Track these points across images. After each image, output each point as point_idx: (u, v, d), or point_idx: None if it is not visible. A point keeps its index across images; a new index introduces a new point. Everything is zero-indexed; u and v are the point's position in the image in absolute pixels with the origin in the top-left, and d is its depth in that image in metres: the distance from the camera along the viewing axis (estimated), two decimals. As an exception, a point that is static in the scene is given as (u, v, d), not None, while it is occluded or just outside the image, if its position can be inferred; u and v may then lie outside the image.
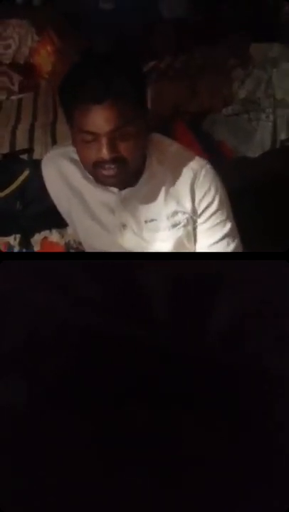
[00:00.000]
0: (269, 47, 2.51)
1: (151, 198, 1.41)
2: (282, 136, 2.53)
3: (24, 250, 1.97)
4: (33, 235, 2.09)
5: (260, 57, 2.49)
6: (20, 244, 2.03)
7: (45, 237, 2.08)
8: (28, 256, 1.42)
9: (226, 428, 1.10)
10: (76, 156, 1.37)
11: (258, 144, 2.52)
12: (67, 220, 1.53)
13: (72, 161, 1.42)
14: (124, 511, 1.06)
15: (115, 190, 1.39)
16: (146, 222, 1.43)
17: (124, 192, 1.39)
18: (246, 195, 2.00)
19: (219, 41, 2.35)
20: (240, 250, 1.47)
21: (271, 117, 2.52)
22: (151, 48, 2.27)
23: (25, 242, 2.02)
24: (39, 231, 2.10)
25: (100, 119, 1.25)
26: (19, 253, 1.78)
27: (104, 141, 1.26)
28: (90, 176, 1.39)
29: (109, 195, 1.41)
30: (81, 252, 1.48)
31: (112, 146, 1.27)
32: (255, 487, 1.07)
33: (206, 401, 1.11)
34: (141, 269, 1.16)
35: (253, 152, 2.50)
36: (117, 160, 1.29)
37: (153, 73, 2.38)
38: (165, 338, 1.13)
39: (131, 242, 1.46)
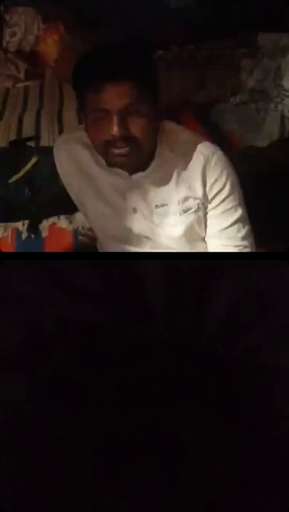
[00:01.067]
0: (278, 36, 2.48)
1: (162, 183, 1.41)
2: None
3: (32, 236, 1.98)
4: (41, 221, 2.10)
5: (269, 47, 2.47)
6: (29, 230, 2.03)
7: (54, 223, 2.09)
8: (28, 256, 1.43)
9: (224, 422, 1.10)
10: (89, 141, 1.37)
11: (266, 133, 2.51)
12: (78, 205, 1.53)
13: (85, 145, 1.42)
14: (124, 509, 1.05)
15: (126, 174, 1.39)
16: (156, 206, 1.43)
17: (135, 176, 1.39)
18: (254, 184, 2.00)
19: (227, 31, 2.33)
20: (251, 237, 1.47)
21: (279, 107, 2.51)
22: (159, 39, 2.26)
23: (33, 228, 2.03)
24: (47, 217, 2.11)
25: (111, 96, 1.25)
26: (19, 253, 1.79)
27: (115, 118, 1.26)
28: (102, 161, 1.39)
29: (121, 180, 1.41)
30: (81, 252, 1.47)
31: (123, 124, 1.27)
32: (255, 485, 1.06)
33: (205, 395, 1.11)
34: (140, 263, 1.16)
35: (261, 142, 2.49)
36: (128, 138, 1.29)
37: (161, 63, 2.36)
38: (165, 333, 1.13)
39: (141, 226, 1.46)
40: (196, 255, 1.40)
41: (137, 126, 1.29)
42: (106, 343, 1.12)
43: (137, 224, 1.45)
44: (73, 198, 1.52)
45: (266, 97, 2.52)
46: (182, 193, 1.41)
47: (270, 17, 2.38)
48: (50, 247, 1.99)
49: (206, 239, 1.48)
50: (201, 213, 1.43)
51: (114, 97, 1.26)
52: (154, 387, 1.10)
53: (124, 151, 1.31)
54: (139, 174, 1.39)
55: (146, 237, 1.47)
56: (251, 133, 2.52)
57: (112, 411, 1.09)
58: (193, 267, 1.15)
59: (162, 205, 1.43)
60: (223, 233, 1.44)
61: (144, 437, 1.08)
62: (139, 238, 1.47)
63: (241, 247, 1.44)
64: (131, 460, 1.06)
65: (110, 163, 1.37)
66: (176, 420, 1.09)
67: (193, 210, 1.42)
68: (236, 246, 1.44)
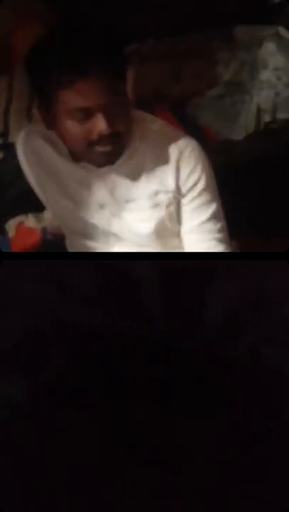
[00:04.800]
0: (254, 29, 2.49)
1: (131, 176, 1.37)
2: (267, 118, 2.51)
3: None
4: (7, 220, 2.04)
5: (245, 40, 2.48)
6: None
7: (21, 222, 2.03)
8: (28, 256, 1.41)
9: (223, 422, 1.11)
10: (51, 135, 1.33)
11: (242, 126, 2.51)
12: (44, 202, 1.49)
13: (47, 139, 1.37)
14: (124, 509, 1.06)
15: (93, 168, 1.34)
16: (126, 202, 1.38)
17: (103, 170, 1.35)
18: (230, 177, 2.01)
19: (204, 24, 2.33)
20: (226, 230, 1.44)
21: (255, 99, 2.51)
22: (134, 31, 2.23)
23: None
24: (14, 216, 2.05)
25: (90, 93, 1.21)
26: (19, 253, 1.75)
27: (101, 116, 1.22)
28: (66, 154, 1.35)
29: (87, 174, 1.36)
30: (82, 252, 1.45)
31: (110, 120, 1.23)
32: (255, 485, 1.08)
33: (204, 395, 1.11)
34: (136, 262, 1.16)
35: (237, 135, 2.49)
36: (114, 135, 1.25)
37: (135, 56, 2.35)
38: (164, 333, 1.13)
39: (108, 222, 1.41)
40: (195, 255, 1.39)
41: (119, 121, 1.26)
42: (105, 344, 1.12)
43: (104, 220, 1.40)
44: (39, 195, 1.47)
45: (242, 90, 2.52)
46: (153, 186, 1.37)
47: (247, 9, 2.37)
48: (17, 247, 1.93)
49: (182, 234, 1.44)
50: (172, 208, 1.39)
51: (92, 93, 1.21)
52: (153, 388, 1.11)
53: (110, 148, 1.28)
54: (108, 168, 1.35)
55: (114, 235, 1.42)
56: (227, 126, 2.52)
57: (112, 412, 1.09)
58: (192, 266, 1.15)
59: (132, 200, 1.38)
60: (201, 227, 1.41)
61: (144, 438, 1.09)
62: (106, 235, 1.42)
63: (217, 241, 1.41)
64: (131, 460, 1.07)
65: (92, 162, 1.33)
66: (176, 421, 1.10)
67: (164, 204, 1.38)
68: (213, 239, 1.41)
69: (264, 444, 1.10)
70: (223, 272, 1.14)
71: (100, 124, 1.23)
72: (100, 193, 1.40)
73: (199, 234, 1.43)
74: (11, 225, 2.03)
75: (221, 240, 1.42)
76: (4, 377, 1.11)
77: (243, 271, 1.15)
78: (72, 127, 1.26)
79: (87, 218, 1.42)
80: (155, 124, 1.42)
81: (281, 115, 2.44)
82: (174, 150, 1.36)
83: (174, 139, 1.37)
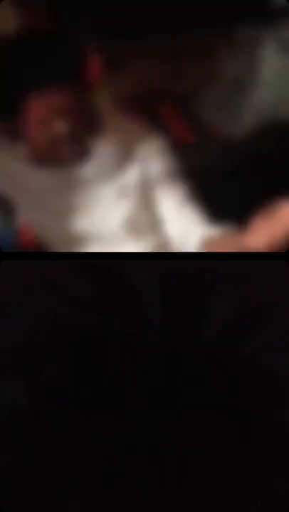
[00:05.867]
0: (256, 26, 2.48)
1: (102, 177, 1.38)
2: (266, 116, 2.52)
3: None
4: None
5: (246, 37, 2.47)
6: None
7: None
8: (28, 256, 1.42)
9: (224, 427, 1.11)
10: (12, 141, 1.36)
11: (243, 123, 2.51)
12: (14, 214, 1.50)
13: (7, 147, 1.39)
14: (124, 509, 1.07)
15: (61, 172, 1.36)
16: (96, 201, 1.42)
17: (73, 173, 1.36)
18: (230, 175, 2.00)
19: (205, 23, 2.33)
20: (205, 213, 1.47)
21: (255, 96, 2.51)
22: (137, 29, 2.24)
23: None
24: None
25: (55, 96, 1.27)
26: (19, 253, 1.74)
27: (68, 117, 1.24)
28: (32, 161, 1.37)
29: (56, 179, 1.37)
30: (82, 252, 1.46)
31: (76, 121, 1.29)
32: (255, 485, 1.08)
33: (205, 400, 1.12)
34: (136, 266, 1.16)
35: (239, 133, 2.49)
36: (82, 135, 1.27)
37: (138, 54, 2.35)
38: (164, 337, 1.13)
39: (82, 225, 1.43)
40: (194, 255, 1.39)
41: (86, 124, 1.28)
42: (106, 348, 1.12)
43: (79, 222, 1.41)
44: (7, 209, 1.48)
45: (243, 87, 2.51)
46: (119, 183, 1.40)
47: (249, 6, 2.38)
48: (22, 239, 1.91)
49: (165, 221, 1.48)
50: (142, 199, 1.44)
51: (58, 96, 1.24)
52: (155, 392, 1.11)
53: (75, 150, 1.29)
54: (77, 169, 1.36)
55: (91, 234, 1.43)
56: (229, 123, 2.51)
57: (112, 416, 1.09)
58: (191, 266, 1.16)
59: (103, 198, 1.39)
60: (180, 209, 1.46)
61: (144, 442, 1.08)
62: (83, 236, 1.44)
63: (204, 221, 1.45)
64: (131, 463, 1.07)
65: (57, 163, 1.34)
66: (176, 425, 1.10)
67: (135, 197, 1.39)
68: (198, 217, 1.45)
69: (264, 447, 1.10)
70: (223, 272, 1.14)
71: (65, 125, 1.26)
72: (71, 195, 1.42)
73: (181, 212, 1.47)
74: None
75: (205, 219, 1.47)
76: (4, 378, 1.11)
77: (242, 271, 1.15)
78: (37, 130, 1.28)
79: (60, 224, 1.44)
80: (125, 125, 1.46)
81: (280, 114, 2.43)
82: (140, 146, 1.40)
83: (140, 137, 1.41)
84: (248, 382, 1.12)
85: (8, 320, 1.13)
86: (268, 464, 1.09)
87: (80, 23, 1.77)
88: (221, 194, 1.63)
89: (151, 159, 1.44)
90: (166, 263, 1.18)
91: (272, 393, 1.12)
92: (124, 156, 1.41)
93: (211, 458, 1.09)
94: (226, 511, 1.07)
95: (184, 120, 2.32)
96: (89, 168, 1.40)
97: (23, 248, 1.73)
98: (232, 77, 2.48)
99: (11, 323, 1.13)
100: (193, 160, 1.53)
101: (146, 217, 1.44)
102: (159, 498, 1.07)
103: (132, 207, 1.42)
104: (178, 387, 1.11)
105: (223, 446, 1.10)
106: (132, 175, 1.43)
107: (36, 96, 1.25)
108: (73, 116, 1.28)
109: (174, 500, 1.07)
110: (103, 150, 1.39)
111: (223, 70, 2.47)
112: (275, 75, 2.45)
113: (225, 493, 1.08)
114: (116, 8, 2.05)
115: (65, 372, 1.12)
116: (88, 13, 1.89)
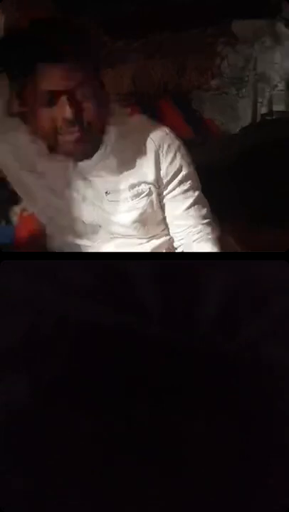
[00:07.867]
0: (252, 23, 2.52)
1: (110, 170, 1.38)
2: (263, 110, 2.54)
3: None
4: (10, 208, 2.03)
5: (244, 33, 2.50)
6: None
7: (23, 209, 2.01)
8: (28, 256, 1.42)
9: (223, 418, 1.10)
10: (25, 128, 1.35)
11: (240, 118, 2.53)
12: (23, 197, 1.51)
13: (24, 133, 1.38)
14: (124, 509, 1.06)
15: (71, 163, 1.36)
16: (106, 193, 1.41)
17: (82, 164, 1.36)
18: (227, 169, 2.02)
19: (205, 19, 2.35)
20: (211, 215, 1.49)
21: (252, 91, 2.52)
22: (138, 27, 2.25)
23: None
24: (16, 203, 2.03)
25: (55, 78, 1.23)
26: (19, 253, 1.74)
27: (65, 99, 1.23)
28: (44, 149, 1.36)
29: (66, 168, 1.37)
30: (82, 252, 1.46)
31: (75, 106, 1.25)
32: (255, 484, 1.07)
33: (205, 391, 1.11)
34: (135, 261, 1.16)
35: (236, 127, 2.51)
36: (80, 122, 1.26)
37: (139, 51, 2.36)
38: (164, 330, 1.13)
39: (92, 215, 1.43)
40: (194, 255, 1.39)
41: (87, 111, 1.27)
42: (106, 343, 1.12)
43: (88, 213, 1.41)
44: (16, 189, 1.48)
45: (241, 82, 2.54)
46: (132, 179, 1.39)
47: (245, 4, 2.40)
48: (20, 235, 1.93)
49: (168, 221, 1.48)
50: (154, 196, 1.42)
51: (58, 78, 1.23)
52: (154, 386, 1.11)
53: (77, 136, 1.29)
54: (86, 162, 1.36)
55: (100, 226, 1.44)
56: (228, 119, 2.53)
57: (112, 409, 1.09)
58: (191, 266, 1.15)
59: (112, 192, 1.40)
60: (186, 213, 1.46)
61: (145, 435, 1.08)
62: (92, 227, 1.44)
63: (205, 224, 1.46)
64: (132, 459, 1.07)
65: (61, 152, 1.34)
66: (176, 417, 1.10)
67: (144, 194, 1.40)
68: (199, 224, 1.46)
69: (265, 443, 1.09)
70: (223, 272, 1.14)
71: (64, 108, 1.25)
72: (80, 186, 1.41)
73: (185, 220, 1.47)
74: (15, 213, 2.02)
75: (209, 223, 1.48)
76: (5, 377, 1.11)
77: (242, 271, 1.14)
78: (42, 113, 1.27)
79: (71, 212, 1.44)
80: (133, 119, 1.45)
81: (277, 107, 2.51)
82: (152, 142, 1.40)
83: (151, 132, 1.40)
84: (248, 374, 1.12)
85: (8, 319, 1.13)
86: (269, 463, 1.08)
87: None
88: (221, 189, 1.63)
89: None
90: (166, 263, 1.17)
91: (272, 383, 1.12)
92: (127, 152, 1.41)
93: (211, 454, 1.09)
94: (225, 511, 1.07)
95: (181, 116, 2.34)
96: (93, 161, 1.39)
97: (24, 243, 1.75)
98: (231, 73, 2.51)
99: (11, 322, 1.13)
100: (193, 155, 1.53)
101: (151, 214, 1.44)
102: (159, 497, 1.06)
103: (135, 203, 1.42)
104: (177, 379, 1.11)
105: (223, 443, 1.09)
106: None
107: (37, 74, 1.23)
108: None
109: (174, 499, 1.06)
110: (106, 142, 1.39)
111: (222, 66, 2.49)
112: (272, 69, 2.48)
113: (225, 492, 1.07)
114: (116, 6, 2.06)
115: (66, 369, 1.12)
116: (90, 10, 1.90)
